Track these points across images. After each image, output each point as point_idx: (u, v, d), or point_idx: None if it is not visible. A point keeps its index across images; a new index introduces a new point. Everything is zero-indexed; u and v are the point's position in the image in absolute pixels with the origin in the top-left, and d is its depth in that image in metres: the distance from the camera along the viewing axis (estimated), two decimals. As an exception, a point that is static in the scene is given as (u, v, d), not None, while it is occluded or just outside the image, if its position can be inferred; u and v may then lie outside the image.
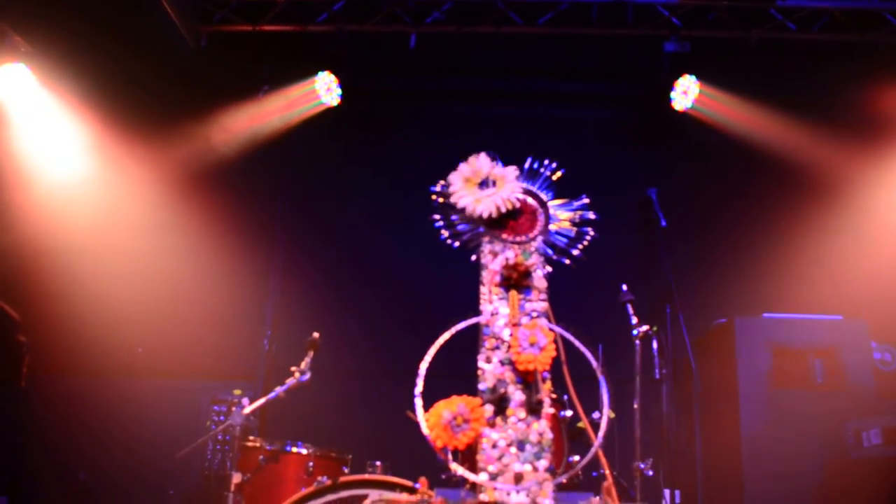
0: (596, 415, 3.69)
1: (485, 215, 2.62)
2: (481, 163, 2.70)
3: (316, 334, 4.68)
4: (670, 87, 6.96)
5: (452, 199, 2.65)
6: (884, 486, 4.91)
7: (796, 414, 5.49)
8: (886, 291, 6.55)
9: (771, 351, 5.69)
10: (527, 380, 2.44)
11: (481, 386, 2.43)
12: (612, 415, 2.89)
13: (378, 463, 4.34)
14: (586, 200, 2.75)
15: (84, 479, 6.10)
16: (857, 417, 5.29)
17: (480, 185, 2.68)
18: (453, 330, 2.50)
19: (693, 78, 6.91)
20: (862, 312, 6.00)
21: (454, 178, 2.68)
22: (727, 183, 7.11)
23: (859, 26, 6.79)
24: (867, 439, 5.13)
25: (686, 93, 6.94)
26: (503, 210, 2.63)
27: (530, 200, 2.74)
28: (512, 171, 2.72)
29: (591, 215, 2.73)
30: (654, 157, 7.15)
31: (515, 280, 2.56)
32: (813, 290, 6.52)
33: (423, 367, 2.42)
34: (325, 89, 7.03)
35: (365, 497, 4.11)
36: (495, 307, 2.53)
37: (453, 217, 2.69)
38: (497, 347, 2.48)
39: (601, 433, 2.49)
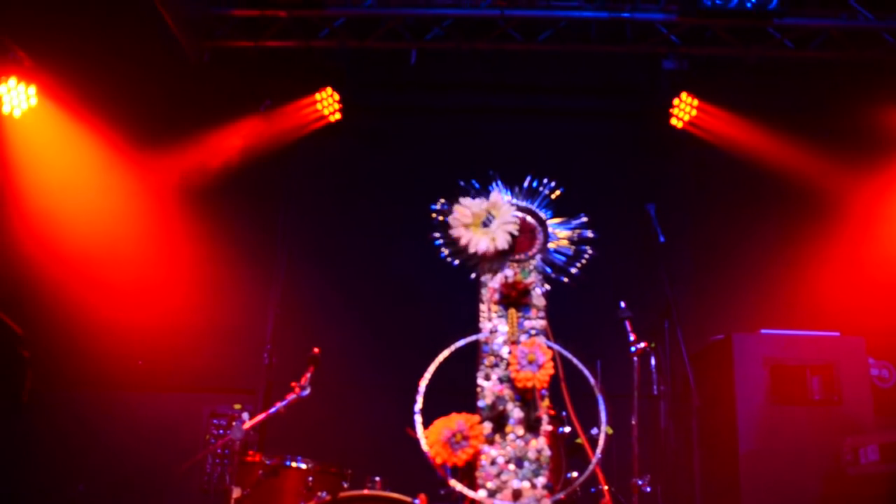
0: (594, 431, 3.71)
1: (505, 247, 2.63)
2: (469, 204, 2.71)
3: (316, 350, 4.70)
4: (669, 104, 7.01)
5: (467, 247, 2.64)
6: (881, 503, 4.92)
7: (793, 430, 5.50)
8: (884, 308, 6.58)
9: (768, 367, 5.70)
10: (525, 397, 2.46)
11: (480, 403, 2.45)
12: (611, 431, 2.90)
13: (378, 478, 4.35)
14: (585, 219, 2.78)
15: (83, 491, 6.10)
16: (854, 434, 5.30)
17: (484, 224, 2.69)
18: (453, 347, 2.52)
19: (691, 95, 6.96)
20: (859, 329, 6.01)
21: (457, 230, 2.67)
22: (725, 199, 7.15)
23: (856, 45, 6.84)
24: (864, 456, 5.15)
25: (684, 110, 6.99)
26: (515, 234, 2.65)
27: (529, 219, 2.77)
28: (498, 195, 2.73)
29: (590, 234, 2.75)
30: (652, 173, 7.18)
31: (514, 298, 2.59)
32: (810, 306, 6.55)
33: (423, 383, 2.45)
34: (327, 105, 7.08)
35: (364, 512, 4.13)
36: (494, 325, 2.56)
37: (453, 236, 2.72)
38: (496, 365, 2.50)
39: (599, 449, 2.51)
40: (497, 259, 2.64)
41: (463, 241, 2.64)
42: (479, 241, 2.64)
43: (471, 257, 2.68)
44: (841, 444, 5.31)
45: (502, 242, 2.63)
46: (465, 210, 2.68)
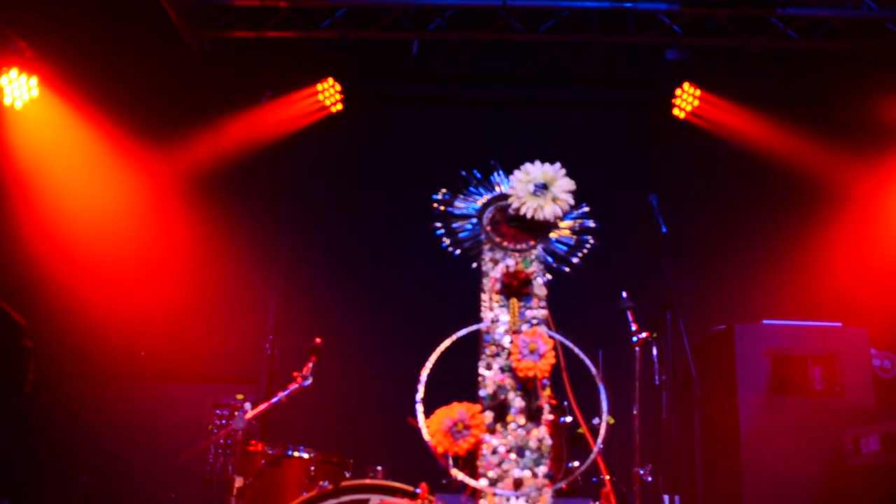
0: (595, 421, 3.71)
1: (550, 217, 2.63)
2: (533, 169, 2.70)
3: (318, 339, 4.71)
4: (671, 95, 6.98)
5: (514, 205, 2.64)
6: (882, 493, 4.93)
7: (795, 421, 5.51)
8: (886, 298, 6.57)
9: (770, 357, 5.70)
10: (527, 386, 2.46)
11: (481, 392, 2.45)
12: (612, 421, 2.90)
13: (379, 468, 4.36)
14: (586, 209, 2.77)
15: (86, 482, 6.11)
16: (856, 424, 5.30)
17: (542, 187, 2.68)
18: (454, 337, 2.52)
19: (694, 85, 6.94)
20: (861, 320, 6.01)
21: (518, 186, 2.66)
22: (727, 190, 7.14)
23: (860, 34, 6.82)
24: (866, 446, 5.15)
25: (687, 100, 6.97)
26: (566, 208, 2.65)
27: (531, 209, 2.76)
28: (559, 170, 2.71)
29: (592, 223, 2.75)
30: (654, 163, 7.17)
31: (516, 288, 2.58)
32: (812, 296, 6.55)
33: (425, 373, 2.45)
34: (328, 95, 7.07)
35: (366, 502, 4.14)
36: (496, 314, 2.56)
37: (454, 225, 2.72)
38: (497, 354, 2.50)
39: (600, 439, 2.52)
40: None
41: (527, 210, 2.63)
42: (526, 203, 2.63)
43: (473, 246, 2.67)
44: (842, 434, 5.31)
45: (565, 205, 2.63)
46: (527, 176, 2.67)
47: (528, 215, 2.63)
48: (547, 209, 2.64)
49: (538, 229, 2.67)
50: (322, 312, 6.61)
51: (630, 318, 4.77)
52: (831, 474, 5.32)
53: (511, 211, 2.65)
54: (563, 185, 2.67)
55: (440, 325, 2.60)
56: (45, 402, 6.18)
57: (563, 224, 2.75)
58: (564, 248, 2.71)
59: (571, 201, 2.67)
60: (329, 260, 7.01)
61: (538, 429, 2.41)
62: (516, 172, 2.69)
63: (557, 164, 2.70)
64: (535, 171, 2.69)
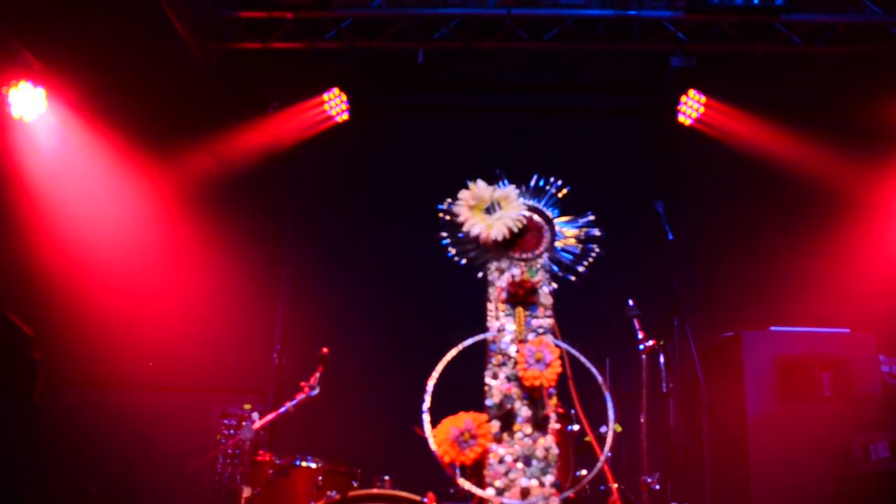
0: (603, 429, 3.71)
1: (499, 239, 2.64)
2: (481, 188, 2.73)
3: (325, 349, 4.72)
4: (676, 101, 6.99)
5: (464, 228, 2.67)
6: (892, 500, 4.91)
7: (804, 427, 5.48)
8: (894, 304, 6.55)
9: (778, 364, 5.68)
10: (533, 395, 2.46)
11: (488, 402, 2.46)
12: (619, 429, 2.90)
13: (387, 477, 4.36)
14: (592, 217, 2.78)
15: (95, 492, 6.13)
16: (865, 430, 5.28)
17: (487, 211, 2.71)
18: (460, 346, 2.53)
19: (699, 92, 6.95)
20: (870, 325, 5.99)
21: (460, 209, 2.70)
22: (734, 196, 7.13)
23: (864, 39, 6.82)
24: (875, 452, 5.13)
25: (692, 107, 6.98)
26: (514, 230, 2.66)
27: (536, 218, 2.78)
28: (512, 190, 2.74)
29: (597, 232, 2.75)
30: (660, 170, 7.18)
31: (521, 297, 2.59)
32: (820, 302, 6.52)
33: (431, 383, 2.46)
34: (334, 105, 7.09)
35: (374, 511, 4.14)
36: (502, 324, 2.57)
37: (460, 235, 2.73)
38: (504, 364, 2.51)
39: (607, 447, 2.52)
40: (496, 251, 2.65)
41: (461, 219, 2.67)
42: (475, 225, 2.65)
43: (476, 254, 2.68)
44: (851, 440, 5.29)
45: (497, 233, 2.64)
46: (473, 192, 2.70)
47: (475, 234, 2.64)
48: (477, 227, 2.65)
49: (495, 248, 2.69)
50: (329, 322, 6.62)
51: (637, 325, 4.77)
52: (840, 481, 5.29)
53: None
54: (510, 213, 2.69)
55: (446, 335, 2.61)
56: (53, 411, 6.18)
57: (568, 233, 2.76)
58: (570, 256, 2.72)
59: (506, 231, 2.68)
60: (336, 270, 7.02)
61: (545, 438, 2.42)
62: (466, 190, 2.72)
63: (511, 187, 2.73)
64: (482, 189, 2.72)
